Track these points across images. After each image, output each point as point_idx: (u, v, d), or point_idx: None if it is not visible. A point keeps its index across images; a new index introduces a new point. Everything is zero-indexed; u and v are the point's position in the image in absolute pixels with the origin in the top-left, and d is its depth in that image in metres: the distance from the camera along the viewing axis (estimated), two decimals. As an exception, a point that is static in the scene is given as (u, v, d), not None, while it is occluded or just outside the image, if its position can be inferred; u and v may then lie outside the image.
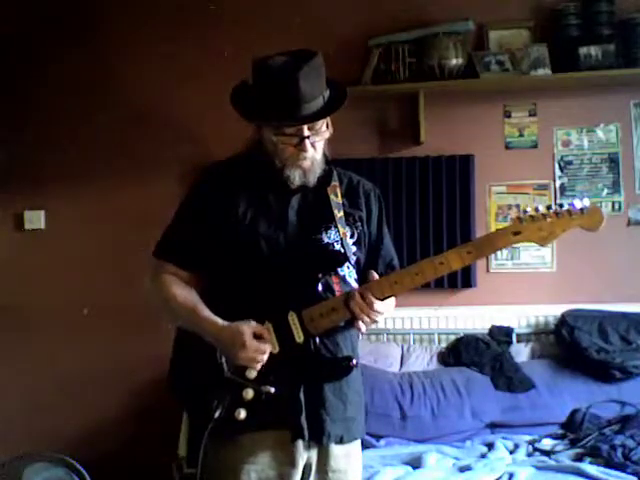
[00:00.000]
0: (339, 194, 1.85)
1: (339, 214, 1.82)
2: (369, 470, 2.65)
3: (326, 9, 3.62)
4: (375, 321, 1.73)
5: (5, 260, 3.78)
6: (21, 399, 3.69)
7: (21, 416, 3.67)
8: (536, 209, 1.64)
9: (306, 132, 1.72)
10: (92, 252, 3.71)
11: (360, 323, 1.73)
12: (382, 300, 1.72)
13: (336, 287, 1.79)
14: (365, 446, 2.89)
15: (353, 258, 1.83)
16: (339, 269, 1.81)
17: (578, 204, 1.61)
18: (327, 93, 1.76)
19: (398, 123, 3.66)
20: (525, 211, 1.65)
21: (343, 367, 1.77)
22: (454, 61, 3.44)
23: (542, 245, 1.68)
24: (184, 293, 1.80)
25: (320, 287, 1.74)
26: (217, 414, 1.70)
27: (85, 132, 3.74)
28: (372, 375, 3.18)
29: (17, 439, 3.53)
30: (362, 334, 1.91)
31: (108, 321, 3.67)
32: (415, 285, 1.72)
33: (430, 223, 3.56)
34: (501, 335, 3.45)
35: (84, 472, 2.87)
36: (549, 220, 1.63)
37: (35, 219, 3.78)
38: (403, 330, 3.60)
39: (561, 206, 1.63)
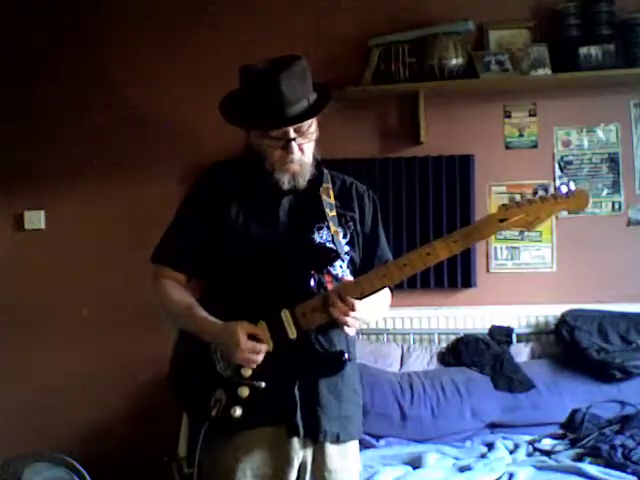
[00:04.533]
0: (331, 195, 1.86)
1: (331, 213, 1.83)
2: (369, 470, 2.65)
3: (326, 9, 3.62)
4: (355, 319, 1.72)
5: (5, 260, 3.78)
6: (21, 399, 3.69)
7: (21, 416, 3.66)
8: (523, 196, 1.69)
9: (292, 134, 1.74)
10: (92, 252, 3.71)
11: (345, 327, 1.73)
12: (368, 296, 1.72)
13: (329, 286, 1.79)
14: (365, 446, 2.91)
15: (346, 257, 1.84)
16: (332, 268, 1.82)
17: (564, 189, 1.65)
18: (313, 96, 1.77)
19: (398, 123, 3.65)
20: (513, 199, 1.69)
21: (336, 361, 1.77)
22: (454, 61, 3.43)
23: (528, 230, 1.71)
24: (180, 296, 1.84)
25: (313, 283, 1.75)
26: (214, 413, 1.72)
27: (85, 132, 3.74)
28: (372, 375, 3.18)
29: (17, 439, 3.53)
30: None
31: (108, 321, 3.66)
32: (403, 276, 1.74)
33: (430, 223, 3.55)
34: (501, 335, 3.44)
35: (84, 472, 2.87)
36: (534, 205, 1.66)
37: (35, 219, 3.77)
38: (403, 330, 3.59)
39: (547, 191, 1.67)
